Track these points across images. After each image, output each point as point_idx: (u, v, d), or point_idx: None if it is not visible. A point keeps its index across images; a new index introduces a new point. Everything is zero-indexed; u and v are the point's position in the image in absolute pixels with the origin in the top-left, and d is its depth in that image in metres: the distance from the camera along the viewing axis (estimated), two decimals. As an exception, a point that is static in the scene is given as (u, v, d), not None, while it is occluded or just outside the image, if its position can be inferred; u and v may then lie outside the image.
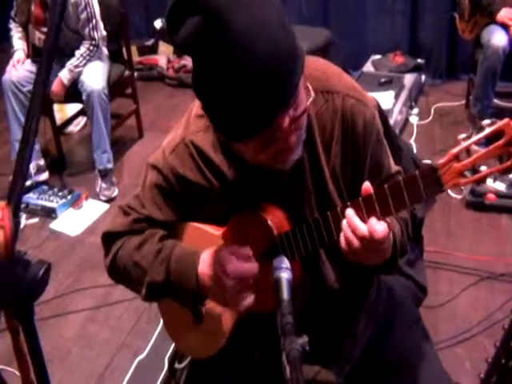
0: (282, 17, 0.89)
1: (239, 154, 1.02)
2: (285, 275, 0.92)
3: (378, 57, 3.97)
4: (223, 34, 0.85)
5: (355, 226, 0.95)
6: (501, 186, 2.71)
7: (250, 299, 1.06)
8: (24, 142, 0.81)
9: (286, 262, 0.94)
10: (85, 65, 3.02)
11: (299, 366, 0.76)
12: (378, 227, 0.94)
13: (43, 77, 0.84)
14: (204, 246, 1.13)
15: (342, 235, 0.98)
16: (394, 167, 1.19)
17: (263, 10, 0.87)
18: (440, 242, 2.50)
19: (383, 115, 1.49)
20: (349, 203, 0.98)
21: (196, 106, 1.13)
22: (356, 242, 0.96)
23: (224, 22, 0.84)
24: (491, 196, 2.69)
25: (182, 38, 0.87)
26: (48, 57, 0.85)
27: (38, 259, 0.82)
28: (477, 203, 2.71)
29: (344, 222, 0.97)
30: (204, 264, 1.09)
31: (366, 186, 0.96)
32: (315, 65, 1.09)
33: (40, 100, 0.84)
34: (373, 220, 0.94)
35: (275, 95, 0.88)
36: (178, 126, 1.16)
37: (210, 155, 1.10)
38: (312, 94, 0.99)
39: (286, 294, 0.88)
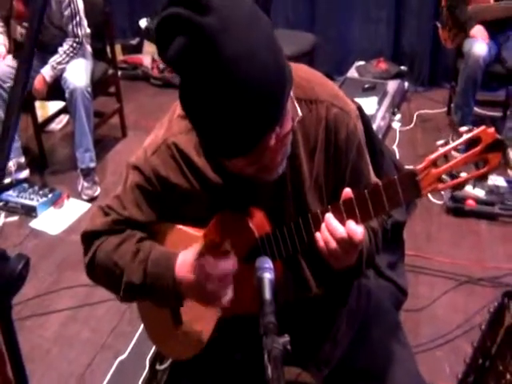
0: (272, 39, 0.89)
1: (222, 162, 1.02)
2: (267, 275, 0.92)
3: (361, 63, 4.01)
4: (211, 58, 0.83)
5: (333, 228, 0.97)
6: (480, 193, 2.76)
7: (229, 295, 1.07)
8: (3, 138, 0.80)
9: (268, 262, 0.95)
10: (68, 62, 3.00)
11: (281, 365, 0.77)
12: (358, 229, 0.96)
13: (24, 72, 0.83)
14: (185, 246, 1.13)
15: (319, 234, 0.99)
16: (374, 178, 1.21)
17: (253, 33, 0.85)
18: (420, 247, 2.54)
19: (366, 119, 1.50)
20: (329, 206, 0.99)
21: (179, 107, 1.12)
22: (333, 243, 0.97)
23: (212, 45, 0.83)
24: (471, 202, 2.75)
25: (170, 56, 0.85)
26: (29, 52, 0.83)
27: (17, 253, 0.81)
28: (457, 209, 2.76)
29: (322, 225, 0.99)
30: (181, 264, 1.09)
31: (347, 190, 0.98)
32: (299, 72, 1.09)
33: (20, 96, 0.83)
34: (352, 223, 0.96)
35: (263, 118, 0.88)
36: (160, 126, 1.15)
37: (193, 158, 1.10)
38: (299, 114, 1.00)
39: (268, 293, 0.89)
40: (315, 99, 1.09)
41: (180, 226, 1.18)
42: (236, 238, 1.12)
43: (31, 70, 0.86)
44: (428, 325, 2.16)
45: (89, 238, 1.19)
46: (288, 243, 1.08)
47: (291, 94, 0.95)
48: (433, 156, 0.90)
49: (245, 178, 1.05)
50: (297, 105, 1.02)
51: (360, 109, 1.34)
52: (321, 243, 0.99)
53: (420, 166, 0.90)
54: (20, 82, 0.82)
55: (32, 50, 0.83)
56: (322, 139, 1.10)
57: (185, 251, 1.11)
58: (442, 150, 0.89)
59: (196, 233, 1.17)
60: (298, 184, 1.12)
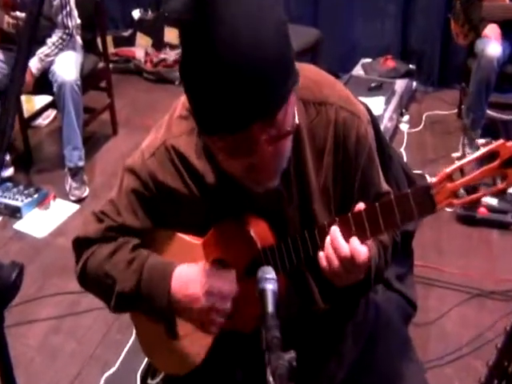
0: (284, 27, 0.89)
1: (216, 157, 1.02)
2: (270, 286, 0.91)
3: (368, 60, 4.01)
4: (211, 20, 0.84)
5: (338, 245, 0.97)
6: (493, 201, 2.76)
7: (219, 325, 1.08)
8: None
9: (271, 273, 0.94)
10: (56, 54, 2.99)
11: (286, 382, 0.75)
12: (361, 249, 0.96)
13: (20, 69, 0.83)
14: (183, 255, 1.13)
15: (322, 253, 1.00)
16: (385, 187, 1.20)
17: (261, 9, 0.86)
18: (429, 257, 2.53)
19: (374, 120, 1.50)
20: (337, 218, 0.99)
21: (180, 106, 1.12)
22: (336, 262, 0.98)
23: (214, 8, 0.84)
24: (483, 210, 2.74)
25: (170, 9, 0.88)
26: (26, 47, 0.84)
27: (11, 261, 0.80)
28: (468, 217, 2.76)
29: (327, 239, 0.99)
30: (178, 279, 1.09)
31: (359, 204, 0.98)
32: (307, 73, 1.09)
33: (16, 95, 0.83)
34: (355, 241, 0.96)
35: (256, 98, 0.87)
36: (159, 127, 1.15)
37: (193, 161, 1.09)
38: (297, 120, 1.00)
39: (271, 306, 0.88)
40: (324, 101, 1.08)
41: (178, 234, 1.18)
42: (237, 248, 1.11)
43: (27, 66, 0.85)
44: (437, 340, 2.15)
45: (81, 245, 1.19)
46: (292, 256, 1.08)
47: (296, 96, 0.94)
48: (448, 169, 0.91)
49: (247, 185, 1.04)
50: (303, 107, 1.00)
51: (367, 108, 1.33)
52: (323, 263, 1.00)
53: (435, 180, 0.91)
54: (17, 79, 0.81)
55: (30, 43, 0.82)
56: (330, 144, 1.10)
57: (183, 265, 1.11)
58: (458, 164, 0.90)
59: (194, 241, 1.16)
60: (304, 191, 1.12)
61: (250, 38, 0.85)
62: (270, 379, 0.76)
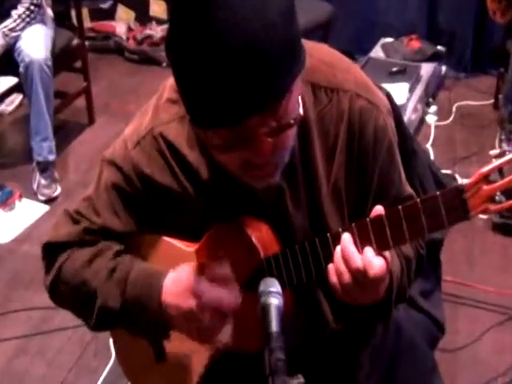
0: (288, 3, 0.90)
1: (208, 147, 1.02)
2: (274, 301, 0.91)
3: (389, 40, 4.02)
4: None
5: (349, 255, 0.97)
6: (534, 206, 2.77)
7: (227, 333, 1.07)
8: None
9: (276, 286, 0.94)
10: (23, 28, 3.00)
11: None
12: (377, 262, 0.96)
13: None
14: (173, 265, 1.13)
15: (331, 265, 1.00)
16: (408, 190, 1.21)
17: None
18: (460, 272, 2.54)
19: (397, 111, 1.52)
20: (353, 224, 0.99)
21: (168, 88, 1.13)
22: (347, 276, 0.97)
23: None
24: (523, 218, 2.76)
25: None
26: None
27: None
28: (505, 226, 2.77)
29: (337, 248, 0.99)
30: (170, 288, 1.09)
31: (378, 208, 0.98)
32: (319, 54, 1.09)
33: None
34: (369, 252, 0.96)
35: (257, 87, 0.87)
36: (145, 112, 1.15)
37: (184, 152, 1.10)
38: (301, 111, 1.00)
39: (275, 324, 0.88)
40: (337, 88, 1.09)
41: (167, 239, 1.18)
42: (235, 257, 1.11)
43: None
44: (468, 368, 2.16)
45: (52, 251, 1.19)
46: (301, 267, 1.08)
47: (304, 79, 0.95)
48: (484, 169, 0.89)
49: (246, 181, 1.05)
50: (312, 93, 1.02)
51: (389, 96, 1.34)
52: (333, 278, 1.00)
53: (469, 181, 0.90)
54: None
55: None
56: (343, 137, 1.10)
57: (174, 272, 1.11)
58: (495, 163, 0.90)
59: (187, 248, 1.17)
60: (313, 190, 1.12)
61: (254, 18, 0.85)
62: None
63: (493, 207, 0.90)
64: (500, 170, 0.90)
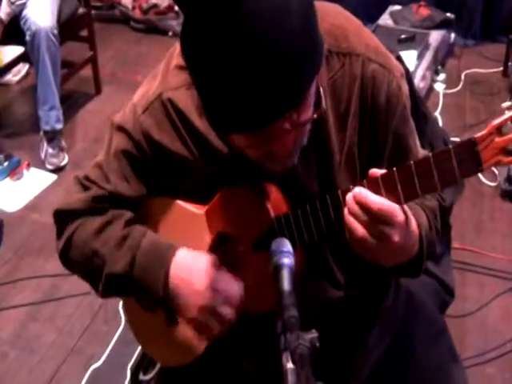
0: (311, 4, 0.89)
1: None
2: (286, 261, 0.91)
3: (397, 7, 3.99)
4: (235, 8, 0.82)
5: (366, 198, 0.93)
6: (544, 173, 2.75)
7: (215, 332, 1.10)
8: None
9: (287, 246, 0.94)
10: (29, -4, 2.96)
11: (308, 364, 0.75)
12: (395, 206, 0.93)
13: None
14: (183, 227, 1.14)
15: (346, 211, 0.96)
16: (422, 152, 1.19)
17: None
18: (469, 238, 2.54)
19: (408, 76, 1.50)
20: (364, 180, 0.97)
21: (177, 54, 1.11)
22: (363, 217, 0.93)
23: None
24: (533, 184, 2.74)
25: None
26: None
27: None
28: (514, 192, 2.76)
29: (349, 195, 0.95)
30: (179, 266, 1.10)
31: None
32: (332, 17, 1.08)
33: None
34: (385, 200, 0.93)
35: (280, 93, 0.86)
36: (153, 77, 1.14)
37: (193, 119, 1.09)
38: (324, 105, 0.99)
39: (287, 283, 0.88)
40: (349, 52, 1.08)
41: (177, 202, 1.19)
42: (245, 217, 1.12)
43: None
44: (477, 334, 2.17)
45: (63, 218, 1.19)
46: (312, 225, 1.08)
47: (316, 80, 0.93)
48: (497, 121, 0.88)
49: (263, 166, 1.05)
50: (324, 60, 1.00)
51: (400, 59, 1.32)
52: (349, 220, 0.94)
53: (481, 133, 0.88)
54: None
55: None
56: (355, 101, 1.09)
57: (184, 250, 1.12)
58: (508, 114, 0.88)
59: (196, 210, 1.17)
60: (325, 159, 1.12)
61: (282, 29, 0.83)
62: (288, 365, 0.76)
63: (505, 159, 0.89)
64: None
